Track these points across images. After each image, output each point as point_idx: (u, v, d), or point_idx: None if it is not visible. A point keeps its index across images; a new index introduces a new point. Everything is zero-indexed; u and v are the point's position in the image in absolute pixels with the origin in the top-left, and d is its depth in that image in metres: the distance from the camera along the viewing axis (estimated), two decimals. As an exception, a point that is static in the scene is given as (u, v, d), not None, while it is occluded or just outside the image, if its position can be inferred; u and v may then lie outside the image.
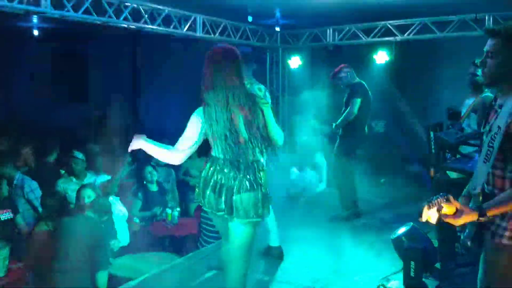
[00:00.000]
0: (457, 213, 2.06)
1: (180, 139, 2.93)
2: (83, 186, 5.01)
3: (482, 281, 2.29)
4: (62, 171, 6.15)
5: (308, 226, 5.49)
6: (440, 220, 2.08)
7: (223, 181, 2.84)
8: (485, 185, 2.23)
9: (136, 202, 6.26)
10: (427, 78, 8.33)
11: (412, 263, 3.48)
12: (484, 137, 2.26)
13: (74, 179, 5.82)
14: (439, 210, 2.07)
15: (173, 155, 2.92)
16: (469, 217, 2.07)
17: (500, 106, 2.17)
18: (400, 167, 8.04)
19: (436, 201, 2.08)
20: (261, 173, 2.90)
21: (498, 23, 6.97)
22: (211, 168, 2.90)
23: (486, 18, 7.09)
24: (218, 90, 2.84)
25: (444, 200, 2.06)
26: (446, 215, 2.07)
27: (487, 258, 2.25)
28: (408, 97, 8.47)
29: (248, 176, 2.83)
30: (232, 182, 2.83)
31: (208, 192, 2.89)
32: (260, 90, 4.22)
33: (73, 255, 4.25)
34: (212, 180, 2.88)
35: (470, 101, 4.57)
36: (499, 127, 2.11)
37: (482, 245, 2.25)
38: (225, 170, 2.85)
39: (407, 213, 5.98)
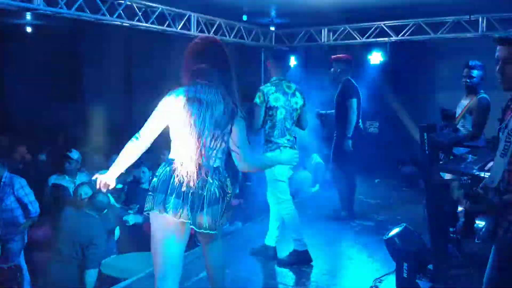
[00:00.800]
0: (481, 204, 2.18)
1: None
2: (81, 184, 5.01)
3: (490, 277, 2.32)
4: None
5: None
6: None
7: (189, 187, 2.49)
8: (500, 182, 2.27)
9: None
10: (421, 79, 8.36)
11: (405, 264, 3.48)
12: (500, 134, 2.30)
13: (67, 177, 5.79)
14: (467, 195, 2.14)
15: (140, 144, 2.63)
16: (492, 209, 2.17)
17: None
18: (394, 168, 8.05)
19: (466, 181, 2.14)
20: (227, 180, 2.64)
21: (491, 24, 7.01)
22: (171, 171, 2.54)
23: (480, 19, 7.13)
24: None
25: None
26: (471, 204, 2.22)
27: (498, 254, 2.29)
28: (402, 98, 8.48)
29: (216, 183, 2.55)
30: (201, 190, 2.51)
31: (172, 198, 2.51)
32: (289, 88, 4.20)
33: (64, 250, 4.26)
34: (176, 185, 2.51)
35: (465, 102, 4.58)
36: None
37: (495, 241, 2.28)
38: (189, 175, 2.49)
39: (401, 213, 6.02)
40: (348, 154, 5.59)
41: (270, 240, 4.44)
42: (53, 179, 5.82)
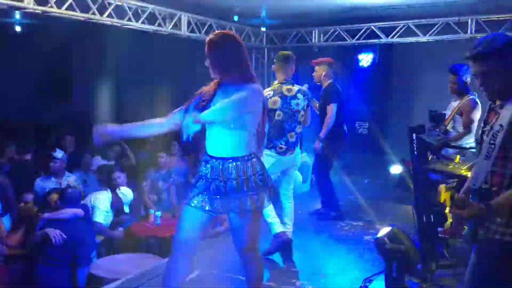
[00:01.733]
0: (465, 207, 2.14)
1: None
2: (50, 191, 4.96)
3: (470, 277, 2.34)
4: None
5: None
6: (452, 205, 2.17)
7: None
8: (484, 183, 2.29)
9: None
10: (410, 80, 8.42)
11: (394, 264, 3.50)
12: (484, 136, 2.32)
13: (52, 178, 5.71)
14: (453, 198, 2.20)
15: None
16: (477, 211, 2.14)
17: (501, 107, 2.26)
18: (383, 168, 8.10)
19: (451, 184, 2.16)
20: None
21: (480, 26, 7.08)
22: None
23: (469, 21, 7.20)
24: None
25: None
26: (456, 207, 2.15)
27: (478, 254, 2.32)
28: (391, 99, 8.54)
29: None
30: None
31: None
32: (289, 91, 4.40)
33: (53, 252, 4.23)
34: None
35: (455, 104, 4.63)
36: (501, 126, 2.19)
37: (476, 241, 2.30)
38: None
39: (390, 214, 6.06)
40: (326, 155, 5.63)
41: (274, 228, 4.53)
42: (39, 181, 5.75)
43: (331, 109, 5.57)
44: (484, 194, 2.26)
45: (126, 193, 5.79)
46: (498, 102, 2.29)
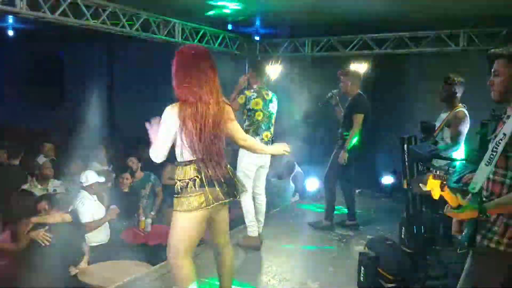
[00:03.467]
0: (460, 208, 2.26)
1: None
2: (38, 200, 4.91)
3: (464, 282, 2.39)
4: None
5: (282, 236, 5.49)
6: (440, 196, 2.26)
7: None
8: (484, 191, 2.36)
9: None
10: (402, 91, 8.47)
11: (362, 268, 3.57)
12: (490, 144, 2.38)
13: (38, 186, 5.64)
14: (442, 187, 2.24)
15: None
16: (471, 213, 2.25)
17: (508, 117, 2.33)
18: (374, 178, 8.12)
19: (440, 174, 2.26)
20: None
21: (471, 39, 7.17)
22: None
23: (461, 34, 7.27)
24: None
25: (446, 178, 2.25)
26: (451, 209, 2.28)
27: (473, 258, 2.36)
28: (383, 110, 8.57)
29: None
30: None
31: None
32: (267, 95, 4.94)
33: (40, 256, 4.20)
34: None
35: (444, 116, 4.66)
36: (504, 134, 2.26)
37: (473, 247, 2.34)
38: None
39: (381, 224, 6.07)
40: (344, 166, 5.59)
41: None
42: (25, 187, 5.66)
43: (358, 119, 5.55)
44: (483, 203, 2.31)
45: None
46: (509, 112, 2.35)
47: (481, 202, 2.29)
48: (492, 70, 2.37)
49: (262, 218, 5.09)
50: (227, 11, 6.85)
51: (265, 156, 4.84)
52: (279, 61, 7.09)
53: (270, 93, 4.98)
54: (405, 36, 7.72)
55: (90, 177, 5.55)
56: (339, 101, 5.88)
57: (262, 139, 4.82)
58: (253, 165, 4.86)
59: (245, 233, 5.01)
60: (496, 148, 2.27)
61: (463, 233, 2.36)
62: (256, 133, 4.81)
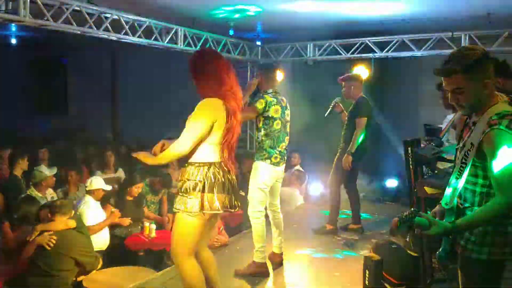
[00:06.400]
0: (429, 226, 2.13)
1: None
2: (41, 207, 4.90)
3: None
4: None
5: (287, 241, 5.48)
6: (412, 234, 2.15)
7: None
8: (459, 200, 2.29)
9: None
10: (405, 94, 8.48)
11: (367, 272, 3.55)
12: (458, 153, 2.32)
13: (39, 195, 5.63)
14: (410, 226, 2.15)
15: None
16: (444, 234, 2.17)
17: (474, 124, 2.24)
18: (378, 182, 8.10)
19: (405, 216, 2.14)
20: None
21: (473, 41, 7.16)
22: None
23: (462, 36, 7.28)
24: None
25: (413, 216, 2.13)
26: (420, 227, 2.14)
27: (461, 272, 2.30)
28: (386, 113, 8.58)
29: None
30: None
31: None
32: (283, 101, 4.37)
33: (56, 264, 4.21)
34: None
35: (450, 117, 4.66)
36: (472, 144, 2.18)
37: (456, 260, 2.30)
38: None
39: (386, 228, 6.04)
40: (349, 170, 5.57)
41: (274, 248, 4.55)
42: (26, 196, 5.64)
43: (361, 122, 5.52)
44: (457, 212, 2.26)
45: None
46: (474, 118, 2.26)
47: (456, 214, 2.24)
48: (452, 88, 2.21)
49: (282, 237, 4.59)
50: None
51: (283, 167, 4.43)
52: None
53: (284, 99, 4.42)
54: (407, 39, 7.72)
55: (95, 182, 5.57)
56: (343, 107, 5.86)
57: (280, 151, 4.31)
58: (271, 180, 4.35)
59: (244, 243, 4.89)
60: (465, 160, 2.20)
61: (440, 249, 2.31)
62: (273, 145, 4.27)
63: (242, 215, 4.42)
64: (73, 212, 4.71)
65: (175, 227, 3.08)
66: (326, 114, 5.95)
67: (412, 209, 2.20)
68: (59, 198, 5.55)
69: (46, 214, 4.64)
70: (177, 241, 3.04)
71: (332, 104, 5.87)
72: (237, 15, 7.25)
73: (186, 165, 3.02)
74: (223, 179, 2.96)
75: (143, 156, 3.05)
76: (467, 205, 2.24)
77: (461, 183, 2.23)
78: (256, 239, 4.27)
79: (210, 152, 2.97)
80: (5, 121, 10.38)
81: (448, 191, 2.32)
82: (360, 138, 5.52)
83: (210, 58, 3.08)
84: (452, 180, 2.30)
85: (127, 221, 5.73)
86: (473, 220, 2.14)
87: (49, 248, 4.23)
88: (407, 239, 4.19)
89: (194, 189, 2.91)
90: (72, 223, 4.58)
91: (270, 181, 4.32)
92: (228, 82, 3.01)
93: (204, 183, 2.92)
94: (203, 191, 2.91)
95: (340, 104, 5.86)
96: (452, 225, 2.14)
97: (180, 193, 2.99)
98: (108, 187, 5.74)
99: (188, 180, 2.95)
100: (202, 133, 2.90)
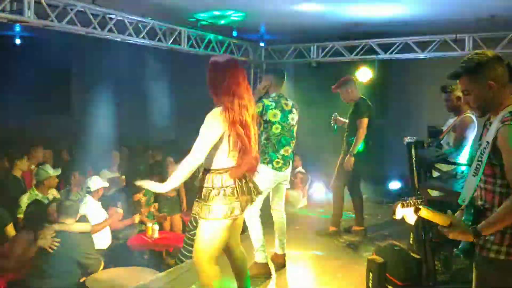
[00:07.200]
0: (451, 228, 2.17)
1: None
2: (49, 204, 4.94)
3: None
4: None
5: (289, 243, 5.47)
6: (418, 221, 2.17)
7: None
8: (479, 200, 2.31)
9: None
10: (408, 96, 8.47)
11: (370, 274, 3.55)
12: (476, 153, 2.35)
13: (40, 195, 5.63)
14: (416, 211, 2.20)
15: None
16: (464, 237, 2.20)
17: (491, 124, 2.30)
18: (381, 184, 8.09)
19: (411, 201, 2.21)
20: None
21: (477, 44, 7.15)
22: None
23: (466, 39, 7.27)
24: None
25: (419, 202, 2.19)
26: (442, 227, 2.18)
27: (477, 271, 2.31)
28: (389, 115, 8.57)
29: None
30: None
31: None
32: (286, 105, 4.38)
33: (58, 264, 4.22)
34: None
35: (451, 120, 4.67)
36: (487, 142, 2.22)
37: (473, 259, 2.31)
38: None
39: (389, 230, 6.03)
40: (352, 171, 5.57)
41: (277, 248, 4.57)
42: (27, 196, 5.63)
43: (362, 124, 5.52)
44: (477, 212, 2.26)
45: None
46: (491, 119, 2.31)
47: (475, 214, 2.25)
48: (461, 90, 2.35)
49: (284, 238, 4.60)
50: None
51: (287, 171, 4.44)
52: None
53: (289, 103, 4.41)
54: (411, 41, 7.72)
55: (95, 182, 5.59)
56: (343, 119, 5.83)
57: (283, 155, 4.32)
58: (272, 183, 4.35)
59: (245, 244, 4.83)
60: (481, 158, 2.23)
61: (460, 246, 2.33)
62: (274, 148, 4.29)
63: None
64: (79, 214, 4.72)
65: (199, 234, 3.08)
66: (334, 132, 5.93)
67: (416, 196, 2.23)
68: (65, 199, 5.55)
69: (53, 211, 4.67)
70: (201, 249, 3.06)
71: (332, 121, 5.88)
72: (222, 21, 7.31)
73: (205, 173, 3.07)
74: (240, 183, 3.01)
75: (149, 185, 3.13)
76: (487, 206, 2.25)
77: (477, 181, 2.26)
78: (255, 239, 4.29)
79: (226, 158, 3.01)
80: (9, 121, 10.41)
81: (465, 188, 2.35)
82: (362, 139, 5.51)
83: (221, 67, 3.08)
84: (469, 178, 2.33)
85: (136, 218, 5.74)
86: (494, 224, 2.15)
87: (51, 251, 4.23)
88: (410, 241, 4.19)
89: (216, 195, 2.98)
90: (87, 227, 4.62)
91: (270, 185, 4.34)
92: (237, 92, 3.02)
93: (225, 189, 2.98)
94: (224, 197, 2.97)
95: (339, 117, 5.86)
96: (474, 232, 2.15)
97: (202, 201, 3.03)
98: (106, 184, 5.77)
99: (207, 187, 3.02)
100: (214, 141, 2.95)
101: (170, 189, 3.10)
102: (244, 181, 3.05)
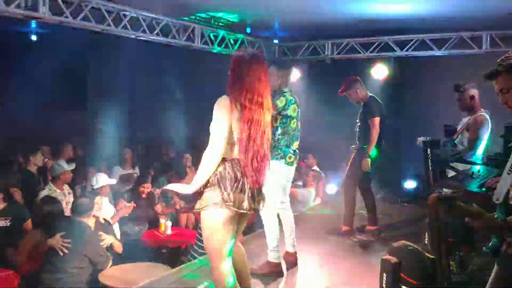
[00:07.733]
0: (483, 218, 2.19)
1: None
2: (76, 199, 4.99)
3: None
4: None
5: (302, 242, 5.45)
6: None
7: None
8: (510, 199, 2.28)
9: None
10: (424, 94, 8.35)
11: (385, 274, 3.50)
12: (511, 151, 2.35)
13: (57, 191, 5.68)
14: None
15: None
16: (496, 230, 2.22)
17: None
18: (397, 183, 8.00)
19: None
20: None
21: (494, 41, 7.04)
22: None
23: (483, 36, 7.16)
24: None
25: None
26: (472, 218, 2.20)
27: (499, 267, 2.31)
28: (405, 113, 8.47)
29: None
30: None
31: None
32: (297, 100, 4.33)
33: (70, 261, 4.25)
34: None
35: (465, 120, 4.61)
36: None
37: (498, 255, 2.31)
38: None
39: (403, 229, 5.97)
40: (364, 172, 5.51)
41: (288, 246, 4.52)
42: (46, 192, 5.66)
43: (375, 123, 5.40)
44: (510, 210, 2.25)
45: None
46: None
47: (508, 212, 2.23)
48: (498, 88, 2.32)
49: (294, 236, 4.53)
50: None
51: (294, 167, 4.40)
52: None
53: (297, 98, 4.41)
54: (427, 38, 7.62)
55: (100, 179, 5.61)
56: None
57: (294, 150, 4.30)
58: (285, 179, 4.34)
59: (258, 242, 4.82)
60: None
61: (490, 243, 2.32)
62: (288, 143, 4.26)
63: (255, 215, 4.35)
64: (92, 213, 4.73)
65: (203, 228, 2.98)
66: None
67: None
68: (80, 196, 5.58)
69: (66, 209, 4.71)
70: (209, 241, 2.94)
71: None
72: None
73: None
74: (233, 174, 2.87)
75: (177, 187, 3.12)
76: None
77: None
78: (270, 238, 4.24)
79: (227, 149, 2.90)
80: (25, 118, 10.52)
81: (500, 185, 2.32)
82: (376, 139, 5.42)
83: (241, 63, 2.97)
84: (504, 175, 2.31)
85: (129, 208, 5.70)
86: None
87: (61, 253, 4.25)
88: (425, 241, 4.13)
89: (212, 182, 2.86)
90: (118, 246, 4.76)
91: (284, 181, 4.31)
92: (256, 89, 2.92)
93: (218, 176, 2.86)
94: (219, 183, 2.85)
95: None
96: (504, 223, 2.17)
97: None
98: (113, 181, 5.80)
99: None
100: (227, 130, 2.85)
101: (199, 188, 2.90)
102: (244, 181, 2.89)
